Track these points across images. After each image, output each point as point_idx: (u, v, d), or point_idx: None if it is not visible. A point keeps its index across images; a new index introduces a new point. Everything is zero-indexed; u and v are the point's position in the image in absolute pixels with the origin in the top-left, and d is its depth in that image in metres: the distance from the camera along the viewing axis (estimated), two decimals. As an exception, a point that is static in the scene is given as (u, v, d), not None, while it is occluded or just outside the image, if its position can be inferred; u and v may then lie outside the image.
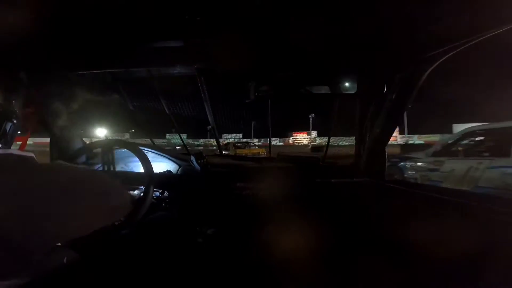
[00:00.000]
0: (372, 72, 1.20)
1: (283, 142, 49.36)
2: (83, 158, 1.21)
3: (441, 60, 1.01)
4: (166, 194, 1.31)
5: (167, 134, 38.31)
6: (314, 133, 47.32)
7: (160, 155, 1.59)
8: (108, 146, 1.16)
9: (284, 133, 50.49)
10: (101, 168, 1.32)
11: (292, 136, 47.11)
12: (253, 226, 1.16)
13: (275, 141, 44.67)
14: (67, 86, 1.41)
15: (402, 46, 1.01)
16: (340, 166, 1.61)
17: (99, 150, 1.15)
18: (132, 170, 1.44)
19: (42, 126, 1.51)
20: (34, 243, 0.47)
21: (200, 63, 1.26)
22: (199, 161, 1.56)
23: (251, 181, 1.38)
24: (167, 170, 1.49)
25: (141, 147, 1.28)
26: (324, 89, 1.24)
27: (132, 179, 1.26)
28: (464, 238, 0.87)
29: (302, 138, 46.67)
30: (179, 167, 1.56)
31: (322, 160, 1.71)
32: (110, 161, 1.16)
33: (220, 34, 0.98)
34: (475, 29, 0.81)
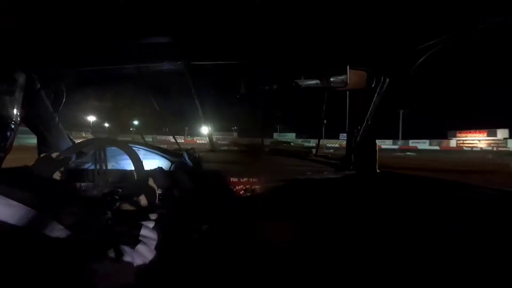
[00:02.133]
0: (362, 65, 1.22)
1: (439, 145, 32.97)
2: (72, 157, 1.19)
3: (429, 53, 1.02)
4: (159, 191, 1.30)
5: (274, 134, 39.12)
6: (502, 132, 27.90)
7: (152, 152, 1.57)
8: (98, 145, 1.15)
9: (440, 132, 35.01)
10: (92, 167, 1.30)
11: (456, 136, 32.74)
12: (248, 221, 1.16)
13: (423, 144, 32.24)
14: (53, 83, 1.37)
15: (392, 39, 1.02)
16: (332, 159, 1.63)
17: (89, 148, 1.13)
18: (124, 168, 1.42)
19: (28, 125, 1.47)
20: None
21: (188, 59, 1.25)
22: (191, 158, 1.55)
23: (243, 176, 1.39)
24: (158, 167, 1.47)
25: (131, 145, 1.26)
26: (315, 83, 1.24)
27: (123, 177, 1.25)
28: (455, 230, 0.90)
29: (476, 139, 30.04)
30: (172, 164, 1.55)
31: (315, 153, 1.73)
32: (101, 159, 1.15)
33: (209, 29, 0.97)
34: (462, 22, 0.83)
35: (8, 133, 0.79)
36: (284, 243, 1.00)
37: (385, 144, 38.30)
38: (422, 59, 1.06)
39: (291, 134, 41.34)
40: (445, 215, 0.96)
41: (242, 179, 1.37)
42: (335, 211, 1.23)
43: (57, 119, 1.56)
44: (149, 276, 0.81)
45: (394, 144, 38.21)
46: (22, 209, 0.55)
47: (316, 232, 1.03)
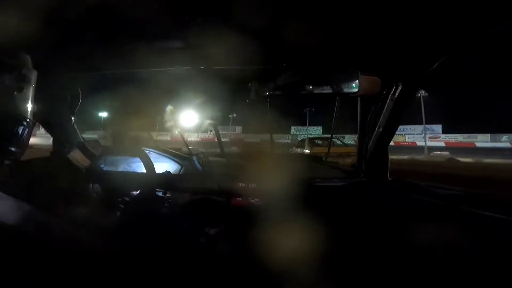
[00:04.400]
0: (373, 70, 1.20)
1: None
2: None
3: (445, 57, 0.99)
4: (168, 194, 1.31)
5: (292, 128, 27.99)
6: None
7: (162, 155, 1.60)
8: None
9: None
10: (105, 168, 1.33)
11: None
12: (254, 227, 1.16)
13: None
14: (68, 86, 1.42)
15: (404, 44, 1.00)
16: (342, 166, 1.61)
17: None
18: (135, 171, 1.45)
19: (44, 126, 1.53)
20: None
21: (200, 64, 1.26)
22: (200, 161, 1.57)
23: (252, 181, 1.38)
24: (166, 171, 1.49)
25: (143, 148, 1.28)
26: (326, 88, 1.23)
27: (134, 180, 1.27)
28: (463, 242, 0.87)
29: None
30: (181, 168, 1.57)
31: (325, 159, 1.70)
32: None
33: (221, 34, 0.98)
34: (479, 24, 0.80)
35: (21, 129, 0.83)
36: (291, 250, 0.99)
37: (477, 140, 25.19)
38: (438, 62, 1.03)
39: (315, 128, 27.90)
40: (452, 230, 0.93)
41: (250, 184, 1.36)
42: (343, 219, 1.21)
43: (73, 121, 1.61)
44: (156, 279, 0.81)
45: (494, 140, 24.60)
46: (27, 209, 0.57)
47: (323, 241, 1.01)
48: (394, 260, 1.01)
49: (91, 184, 1.20)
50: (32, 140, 1.10)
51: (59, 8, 0.82)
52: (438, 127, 27.42)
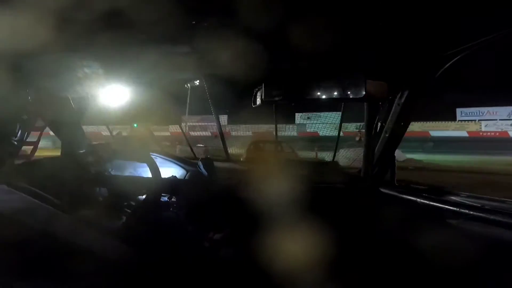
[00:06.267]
0: (380, 76, 1.20)
1: None
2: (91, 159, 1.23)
3: (451, 62, 0.99)
4: (174, 199, 1.31)
5: (298, 115, 20.90)
6: None
7: (168, 160, 1.60)
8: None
9: None
10: (112, 172, 1.34)
11: None
12: (259, 232, 1.15)
13: None
14: (73, 86, 1.44)
15: (411, 48, 1.00)
16: (349, 171, 1.60)
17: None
18: (141, 175, 1.45)
19: (52, 129, 1.55)
20: None
21: (206, 69, 1.27)
22: (206, 167, 1.56)
23: (257, 186, 1.37)
24: (172, 176, 1.49)
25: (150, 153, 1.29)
26: (332, 93, 1.23)
27: (140, 184, 1.27)
28: (463, 247, 0.85)
29: None
30: (187, 173, 1.57)
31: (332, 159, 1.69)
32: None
33: (226, 39, 0.98)
34: (488, 29, 0.80)
35: (22, 128, 0.86)
36: (295, 254, 0.98)
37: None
38: (443, 68, 1.03)
39: (332, 114, 14.87)
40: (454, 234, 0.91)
41: (256, 189, 1.35)
42: (348, 223, 1.19)
43: (80, 124, 1.62)
44: (160, 282, 0.81)
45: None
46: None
47: (328, 246, 1.00)
48: (397, 264, 0.99)
49: (98, 188, 1.21)
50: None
51: (67, 11, 0.83)
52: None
